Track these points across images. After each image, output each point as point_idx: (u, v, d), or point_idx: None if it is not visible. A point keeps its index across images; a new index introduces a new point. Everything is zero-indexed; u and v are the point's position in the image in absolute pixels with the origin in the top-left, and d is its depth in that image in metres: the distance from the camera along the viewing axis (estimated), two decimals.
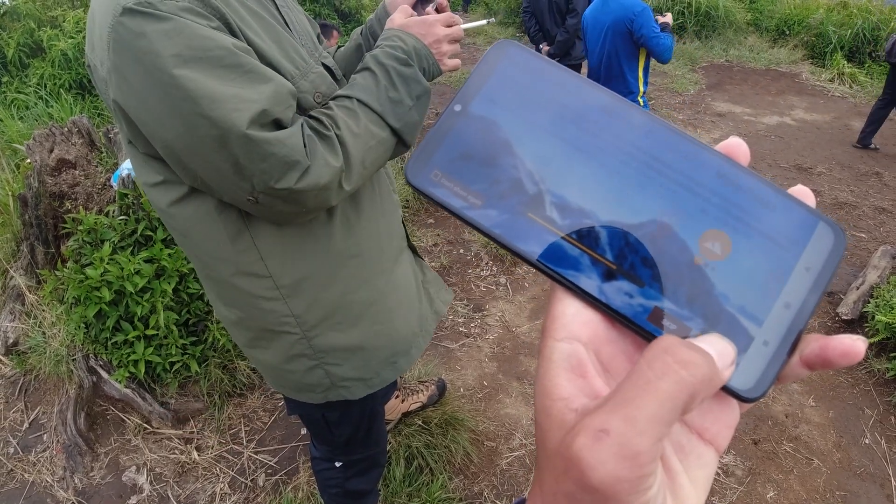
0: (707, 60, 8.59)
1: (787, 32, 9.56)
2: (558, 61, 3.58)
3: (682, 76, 7.83)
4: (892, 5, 9.15)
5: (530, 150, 0.31)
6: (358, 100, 1.09)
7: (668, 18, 3.59)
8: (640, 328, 0.30)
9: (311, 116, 1.07)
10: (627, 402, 0.25)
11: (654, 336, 0.30)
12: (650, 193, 0.31)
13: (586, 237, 0.31)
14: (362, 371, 1.40)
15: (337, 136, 1.05)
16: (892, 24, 8.72)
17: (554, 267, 0.31)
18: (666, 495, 0.28)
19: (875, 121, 6.02)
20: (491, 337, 3.21)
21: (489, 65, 0.33)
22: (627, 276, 0.30)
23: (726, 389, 0.29)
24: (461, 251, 3.89)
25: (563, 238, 0.31)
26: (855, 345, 0.28)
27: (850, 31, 8.83)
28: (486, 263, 3.77)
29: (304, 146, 1.00)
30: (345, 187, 1.08)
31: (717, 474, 2.58)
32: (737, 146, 0.33)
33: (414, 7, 1.32)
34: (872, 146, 6.10)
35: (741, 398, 0.29)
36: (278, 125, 0.99)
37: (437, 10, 1.33)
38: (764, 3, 10.09)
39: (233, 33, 1.01)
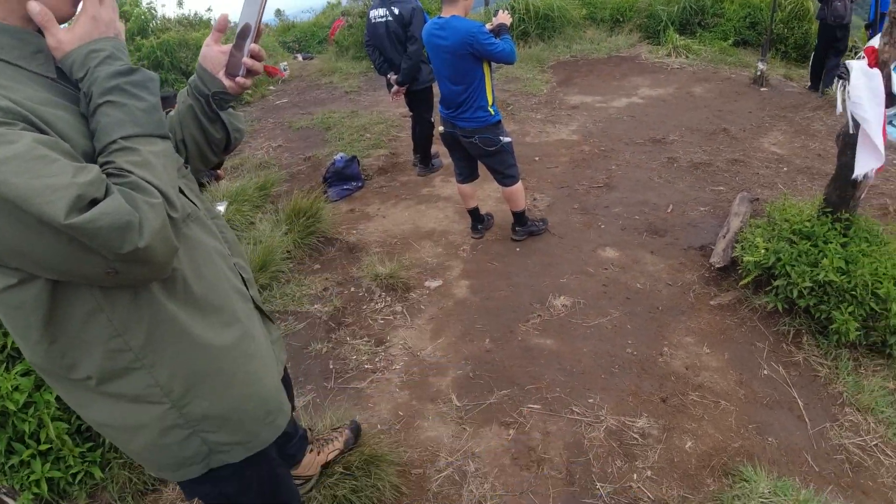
0: (554, 59, 9.06)
1: (621, 19, 10.27)
2: (407, 88, 3.67)
3: (534, 78, 8.20)
4: None
5: None
6: (121, 138, 1.08)
7: (503, 17, 3.71)
8: None
9: (107, 174, 1.05)
10: None
11: None
12: None
13: None
14: (240, 435, 1.39)
15: (137, 178, 1.04)
16: None
17: None
18: None
19: (815, 72, 7.35)
20: (398, 367, 3.19)
21: None
22: None
23: None
24: (352, 289, 3.87)
25: None
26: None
27: (676, 6, 9.59)
28: (380, 296, 3.76)
29: (126, 204, 0.99)
30: (174, 215, 1.08)
31: (636, 439, 2.67)
32: None
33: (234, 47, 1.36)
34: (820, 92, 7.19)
35: None
36: (96, 203, 0.97)
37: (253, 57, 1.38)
38: None
39: (42, 132, 1.00)
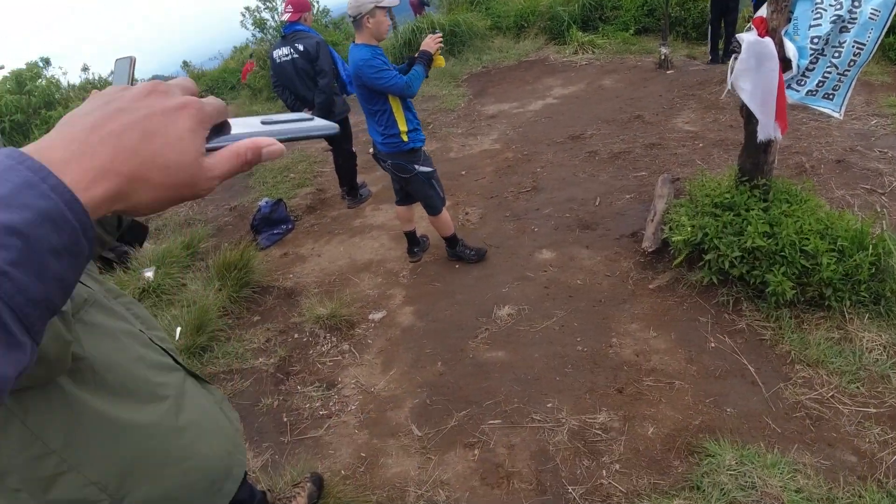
0: (466, 72, 9.17)
1: (525, 25, 10.49)
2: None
3: (450, 94, 8.28)
4: None
5: None
6: None
7: (427, 44, 3.64)
8: None
9: None
10: None
11: None
12: None
13: None
14: None
15: None
16: None
17: None
18: None
19: (714, 45, 7.81)
20: (353, 407, 3.12)
21: None
22: None
23: None
24: (296, 335, 3.77)
25: None
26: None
27: (576, 5, 9.88)
28: (324, 337, 3.67)
29: None
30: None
31: (599, 435, 2.67)
32: None
33: None
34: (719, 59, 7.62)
35: None
36: None
37: None
38: (497, 5, 11.01)
39: None
